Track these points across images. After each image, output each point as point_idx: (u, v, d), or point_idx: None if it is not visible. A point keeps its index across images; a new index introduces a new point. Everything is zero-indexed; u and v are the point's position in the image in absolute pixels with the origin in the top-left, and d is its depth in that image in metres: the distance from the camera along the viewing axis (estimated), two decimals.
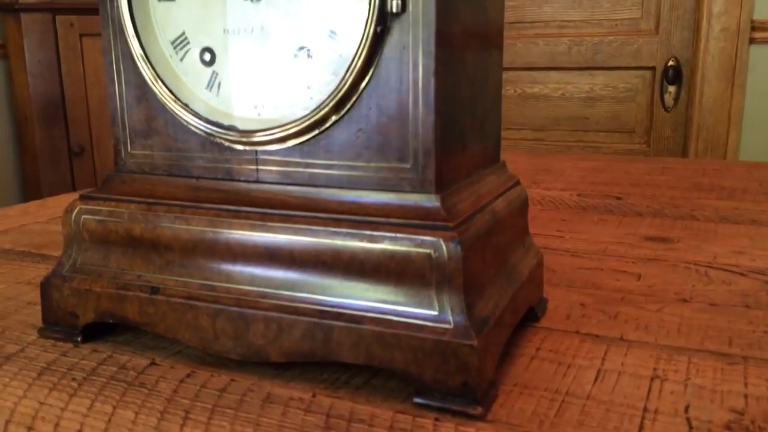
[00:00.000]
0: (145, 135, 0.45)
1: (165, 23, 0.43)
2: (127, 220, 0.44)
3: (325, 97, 0.39)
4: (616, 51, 2.27)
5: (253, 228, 0.41)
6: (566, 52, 2.30)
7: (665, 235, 0.70)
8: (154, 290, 0.43)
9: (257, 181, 0.42)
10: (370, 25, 0.37)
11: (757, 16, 1.99)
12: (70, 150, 2.29)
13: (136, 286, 0.43)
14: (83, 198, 0.45)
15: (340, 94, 0.38)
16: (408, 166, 0.38)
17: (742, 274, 0.57)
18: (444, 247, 0.36)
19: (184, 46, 0.43)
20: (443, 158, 0.39)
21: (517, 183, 0.49)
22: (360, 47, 0.37)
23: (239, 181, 0.43)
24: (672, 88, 2.25)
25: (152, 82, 0.43)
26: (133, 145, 0.45)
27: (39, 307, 0.51)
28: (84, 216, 0.45)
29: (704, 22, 2.08)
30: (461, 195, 0.40)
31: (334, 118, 0.39)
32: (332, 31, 0.39)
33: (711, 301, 0.51)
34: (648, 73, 2.27)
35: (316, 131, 0.40)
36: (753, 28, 2.00)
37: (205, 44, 0.42)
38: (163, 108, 0.44)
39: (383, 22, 0.37)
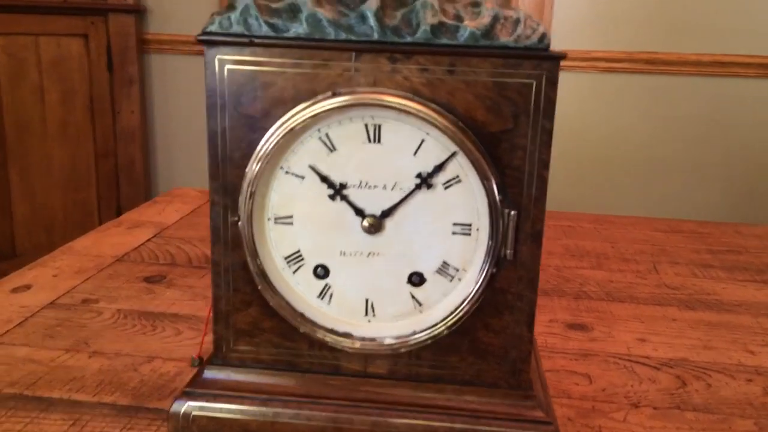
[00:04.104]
0: (251, 334, 0.49)
1: (279, 241, 0.48)
2: (243, 415, 0.48)
3: (438, 319, 0.47)
4: None
5: (374, 425, 0.48)
6: None
7: (579, 321, 0.86)
8: None
9: (365, 376, 0.49)
10: (488, 266, 0.46)
11: None
12: None
13: None
14: (190, 394, 0.49)
15: (455, 319, 0.47)
16: (507, 369, 0.48)
17: (656, 368, 0.75)
18: None
19: (298, 261, 0.48)
20: (532, 362, 0.49)
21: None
22: (477, 284, 0.46)
23: (347, 375, 0.49)
24: None
25: (267, 294, 0.48)
26: (236, 342, 0.50)
27: None
28: (194, 413, 0.48)
29: None
30: (535, 381, 0.51)
31: (445, 332, 0.48)
32: (445, 262, 0.47)
33: (652, 404, 0.68)
34: None
35: (429, 342, 0.48)
36: None
37: (320, 262, 0.48)
38: (274, 313, 0.49)
39: (498, 265, 0.46)
